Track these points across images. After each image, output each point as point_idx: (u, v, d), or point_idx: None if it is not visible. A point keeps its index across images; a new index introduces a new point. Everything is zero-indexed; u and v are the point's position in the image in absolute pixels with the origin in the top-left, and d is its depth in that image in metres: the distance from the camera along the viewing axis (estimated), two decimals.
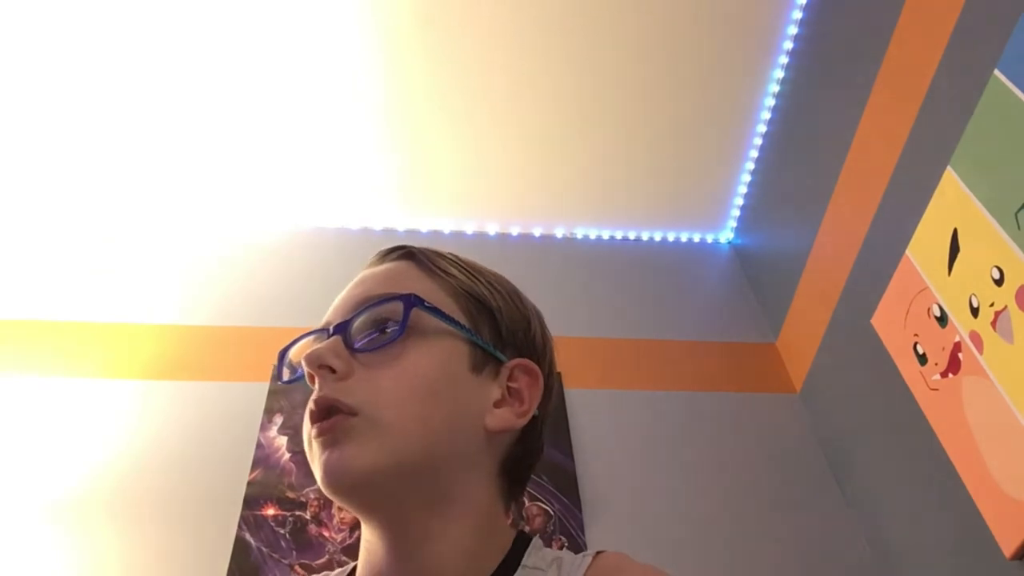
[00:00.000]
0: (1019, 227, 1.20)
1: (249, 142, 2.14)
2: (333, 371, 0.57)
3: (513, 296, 0.68)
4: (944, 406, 1.37)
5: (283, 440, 1.69)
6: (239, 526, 1.54)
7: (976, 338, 1.29)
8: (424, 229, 2.31)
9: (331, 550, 1.52)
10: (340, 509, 1.58)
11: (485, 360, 0.62)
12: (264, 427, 1.71)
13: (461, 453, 0.60)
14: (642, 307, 2.16)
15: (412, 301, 0.59)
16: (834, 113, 1.83)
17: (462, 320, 0.62)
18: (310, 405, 0.57)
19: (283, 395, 1.77)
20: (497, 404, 0.62)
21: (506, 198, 2.31)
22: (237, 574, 1.47)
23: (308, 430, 0.59)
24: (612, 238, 2.40)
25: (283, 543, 1.52)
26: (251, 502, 1.58)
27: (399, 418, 0.57)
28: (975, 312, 1.29)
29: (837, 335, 1.77)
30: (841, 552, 1.62)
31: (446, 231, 2.31)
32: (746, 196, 2.32)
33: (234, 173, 2.20)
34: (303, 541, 1.53)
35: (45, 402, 1.73)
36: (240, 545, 1.51)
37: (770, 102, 2.14)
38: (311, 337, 0.63)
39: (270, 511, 1.57)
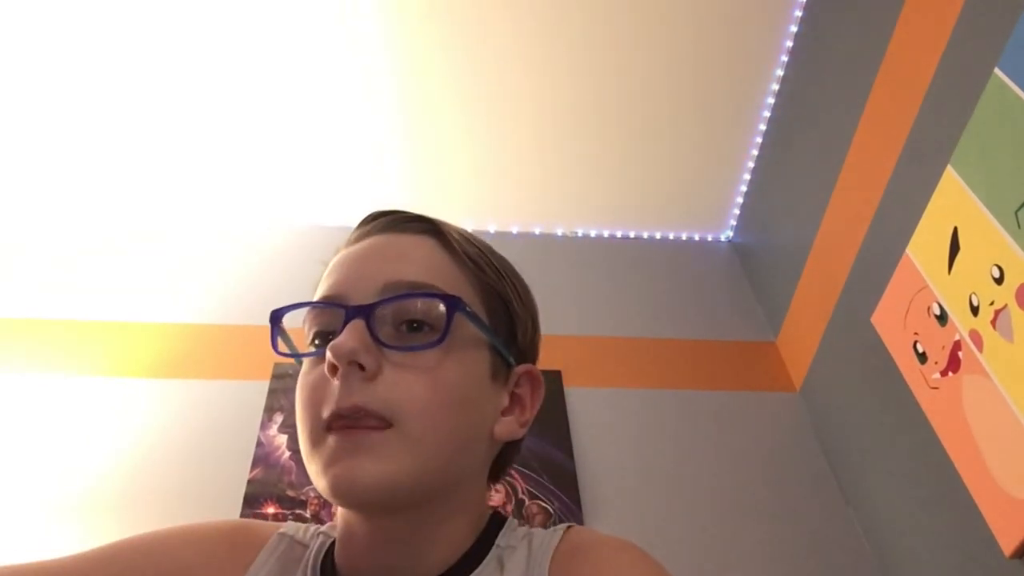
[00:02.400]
0: (1019, 226, 1.20)
1: (250, 140, 2.14)
2: (362, 368, 0.52)
3: (526, 296, 0.65)
4: (944, 405, 1.37)
5: (283, 439, 1.69)
6: None
7: (976, 337, 1.29)
8: None
9: None
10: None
11: (500, 366, 0.60)
12: (264, 425, 1.71)
13: (472, 462, 0.59)
14: (642, 305, 2.16)
15: (457, 306, 0.55)
16: (834, 111, 1.83)
17: (488, 323, 0.59)
18: (334, 407, 0.52)
19: (283, 394, 1.77)
20: (504, 411, 0.61)
21: (506, 197, 2.31)
22: None
23: (313, 421, 0.53)
24: (612, 236, 2.40)
25: None
26: (251, 501, 1.58)
27: (431, 433, 0.53)
28: (975, 311, 1.29)
29: (837, 334, 1.77)
30: (841, 550, 1.62)
31: None
32: (746, 194, 2.32)
33: (235, 171, 2.20)
34: None
35: (45, 400, 1.73)
36: None
37: (770, 100, 2.14)
38: (314, 308, 0.57)
39: (270, 510, 1.57)
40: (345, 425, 0.52)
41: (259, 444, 1.68)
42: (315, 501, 1.59)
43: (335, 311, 0.55)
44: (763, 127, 2.19)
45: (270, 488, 1.60)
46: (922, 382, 1.43)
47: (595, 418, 1.82)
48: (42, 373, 1.79)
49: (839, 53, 1.83)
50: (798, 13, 2.00)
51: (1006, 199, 1.23)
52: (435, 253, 0.59)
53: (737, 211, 2.37)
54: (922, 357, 1.43)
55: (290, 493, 1.60)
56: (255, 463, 1.64)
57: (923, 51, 1.48)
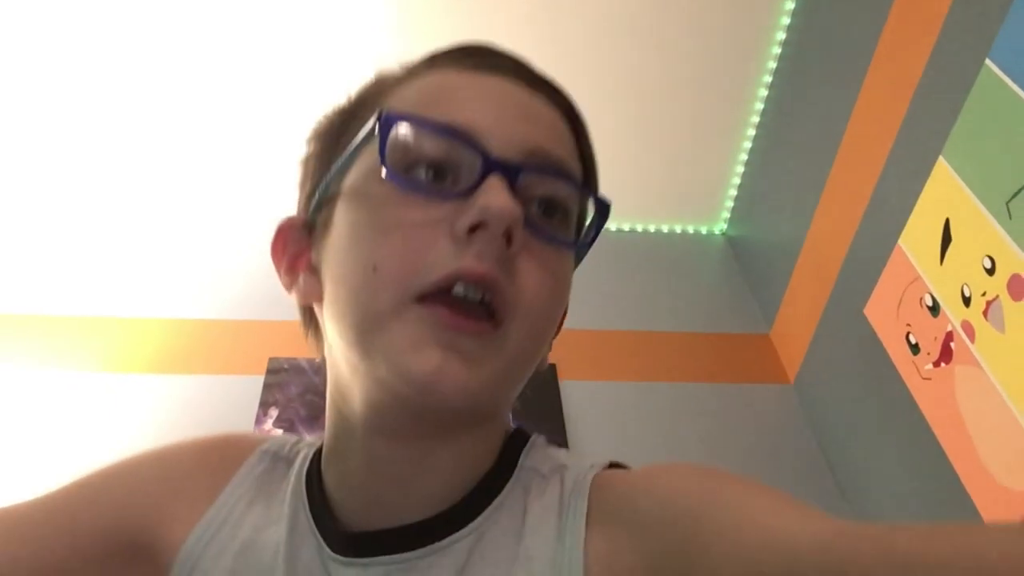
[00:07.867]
0: (1010, 217, 1.20)
1: (248, 136, 2.14)
2: (508, 243, 0.43)
3: None
4: (937, 395, 1.37)
5: (278, 434, 1.69)
6: None
7: (968, 327, 1.29)
8: None
9: None
10: None
11: None
12: (259, 420, 1.71)
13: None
14: (636, 298, 2.16)
15: (605, 214, 0.50)
16: (827, 104, 1.83)
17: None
18: (462, 266, 0.43)
19: (277, 388, 1.77)
20: None
21: None
22: None
23: (403, 278, 0.43)
24: (606, 229, 2.39)
25: None
26: None
27: (529, 345, 0.46)
28: (967, 302, 1.29)
29: (830, 325, 1.77)
30: None
31: None
32: (739, 187, 2.33)
33: (231, 167, 2.19)
34: None
35: (42, 395, 1.73)
36: None
37: (763, 93, 2.15)
38: (439, 133, 0.45)
39: None
40: (457, 312, 0.43)
41: None
42: None
43: (462, 149, 0.45)
44: (756, 119, 2.19)
45: None
46: (915, 373, 1.43)
47: (590, 411, 1.82)
48: (37, 369, 1.78)
49: (831, 46, 1.83)
50: (790, 6, 2.00)
51: (998, 190, 1.23)
52: (572, 139, 0.51)
53: (731, 204, 2.37)
54: (915, 348, 1.43)
55: None
56: None
57: (914, 43, 1.48)
